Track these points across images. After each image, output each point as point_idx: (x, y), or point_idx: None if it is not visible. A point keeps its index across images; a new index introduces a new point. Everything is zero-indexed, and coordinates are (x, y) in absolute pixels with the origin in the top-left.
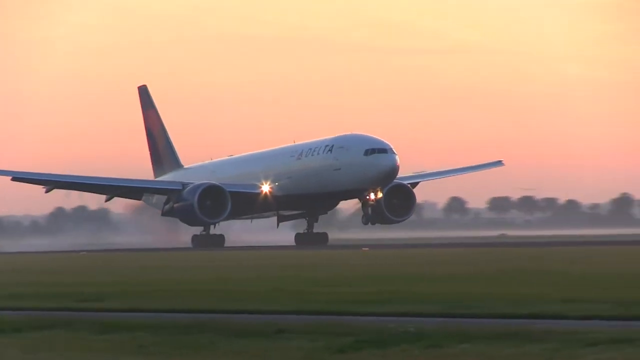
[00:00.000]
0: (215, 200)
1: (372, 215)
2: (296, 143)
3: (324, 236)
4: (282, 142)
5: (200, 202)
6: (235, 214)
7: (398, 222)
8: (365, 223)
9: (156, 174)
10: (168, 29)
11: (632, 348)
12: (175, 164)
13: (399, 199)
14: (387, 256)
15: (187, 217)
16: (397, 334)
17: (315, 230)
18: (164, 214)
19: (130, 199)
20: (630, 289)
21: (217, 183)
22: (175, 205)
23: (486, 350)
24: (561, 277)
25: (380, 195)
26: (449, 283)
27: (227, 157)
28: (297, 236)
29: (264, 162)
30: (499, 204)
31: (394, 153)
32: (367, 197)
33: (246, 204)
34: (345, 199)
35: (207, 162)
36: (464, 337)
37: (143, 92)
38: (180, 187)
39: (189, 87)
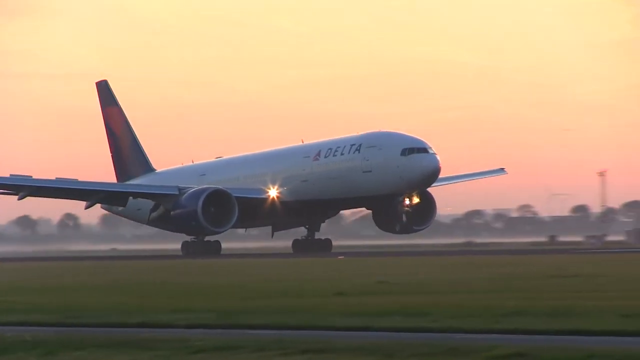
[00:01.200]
0: (221, 207)
1: (393, 223)
2: (307, 142)
3: (326, 243)
4: (265, 144)
5: (205, 208)
6: (240, 222)
7: (417, 231)
8: (399, 232)
9: (120, 178)
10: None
11: (235, 355)
12: (145, 167)
13: (418, 206)
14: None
15: (188, 225)
16: (14, 342)
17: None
18: (151, 222)
19: (115, 205)
20: (233, 300)
21: (222, 188)
22: (173, 212)
23: (101, 357)
24: (177, 287)
25: (416, 200)
26: (68, 293)
27: (217, 159)
28: (295, 243)
29: (270, 164)
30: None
31: (435, 153)
32: (402, 202)
33: (253, 211)
34: (373, 205)
35: (190, 164)
36: (79, 345)
37: (103, 88)
38: (177, 192)
39: (153, 81)
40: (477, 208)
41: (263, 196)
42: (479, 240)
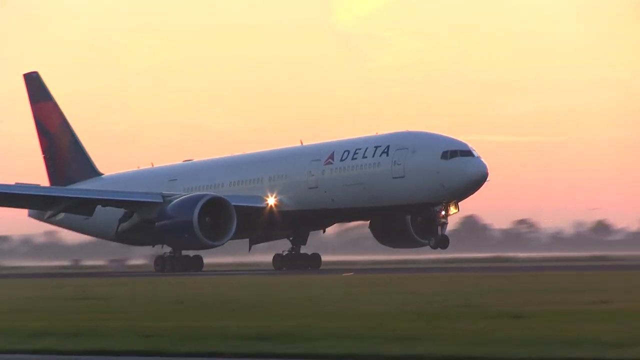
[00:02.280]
0: (216, 217)
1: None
2: (313, 143)
3: (314, 258)
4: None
5: (200, 219)
6: (236, 235)
7: (424, 245)
8: (435, 247)
9: (55, 183)
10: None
11: None
12: (89, 170)
13: (425, 217)
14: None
15: (179, 238)
16: None
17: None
18: (119, 234)
19: (80, 214)
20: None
21: (218, 195)
22: (159, 223)
23: None
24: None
25: (455, 210)
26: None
27: (187, 162)
28: (277, 258)
29: (265, 168)
30: None
31: (480, 156)
32: (439, 213)
33: (248, 222)
34: (401, 215)
35: (152, 167)
36: None
37: (32, 80)
38: (160, 200)
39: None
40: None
41: (261, 205)
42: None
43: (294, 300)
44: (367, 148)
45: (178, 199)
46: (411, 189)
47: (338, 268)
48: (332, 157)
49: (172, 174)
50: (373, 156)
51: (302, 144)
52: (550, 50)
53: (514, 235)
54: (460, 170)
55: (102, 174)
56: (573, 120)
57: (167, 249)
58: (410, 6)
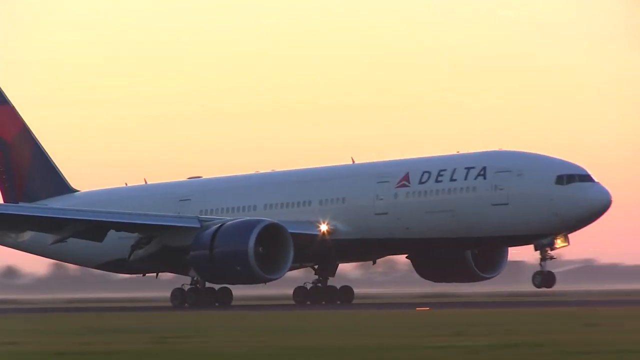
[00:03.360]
0: (268, 246)
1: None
2: (378, 160)
3: (346, 292)
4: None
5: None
6: None
7: (485, 279)
8: (539, 286)
9: (9, 199)
10: None
11: None
12: (57, 186)
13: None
14: None
15: (229, 270)
16: None
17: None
18: (133, 263)
19: (90, 239)
20: None
21: (274, 221)
22: (197, 252)
23: None
24: None
25: (565, 243)
26: None
27: (196, 178)
28: (299, 291)
29: (314, 189)
30: None
31: (599, 182)
32: (546, 246)
33: (301, 252)
34: (496, 247)
35: (153, 184)
36: None
37: None
38: (197, 225)
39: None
40: None
41: (313, 232)
42: None
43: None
44: (455, 169)
45: (226, 224)
46: (516, 218)
47: (372, 302)
48: (406, 178)
49: (181, 193)
50: (466, 179)
51: (353, 161)
52: None
53: None
54: (580, 198)
55: (77, 191)
56: None
57: (182, 279)
58: None
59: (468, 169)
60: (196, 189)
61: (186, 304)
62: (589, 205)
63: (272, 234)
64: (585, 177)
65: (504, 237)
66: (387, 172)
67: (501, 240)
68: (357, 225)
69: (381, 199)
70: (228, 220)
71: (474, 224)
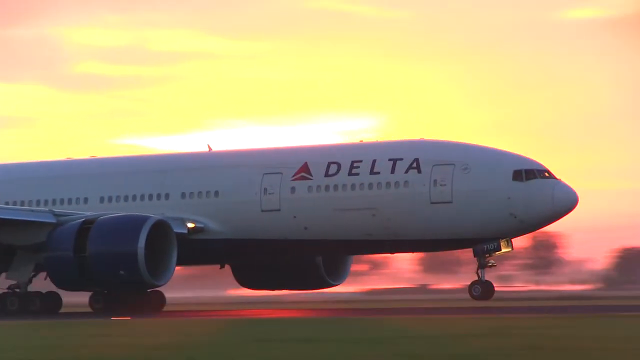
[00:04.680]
0: (152, 247)
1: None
2: (259, 147)
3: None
4: None
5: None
6: None
7: (332, 286)
8: (479, 298)
9: None
10: None
11: None
12: None
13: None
14: None
15: (109, 276)
16: None
17: None
18: None
19: None
20: None
21: (159, 217)
22: (55, 253)
23: None
24: None
25: (509, 249)
26: None
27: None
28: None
29: (175, 179)
30: None
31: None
32: (490, 252)
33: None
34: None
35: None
36: None
37: None
38: (52, 220)
39: None
40: None
41: (182, 231)
42: None
43: None
44: (374, 160)
45: (100, 220)
46: (462, 219)
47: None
48: (305, 169)
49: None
50: (393, 172)
51: (210, 149)
52: None
53: None
54: (543, 197)
55: None
56: None
57: None
58: None
59: (394, 160)
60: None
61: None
62: (554, 205)
63: (161, 232)
64: (545, 174)
65: (444, 241)
66: (277, 162)
67: (435, 243)
68: (233, 224)
69: (271, 194)
70: (96, 215)
71: (404, 225)
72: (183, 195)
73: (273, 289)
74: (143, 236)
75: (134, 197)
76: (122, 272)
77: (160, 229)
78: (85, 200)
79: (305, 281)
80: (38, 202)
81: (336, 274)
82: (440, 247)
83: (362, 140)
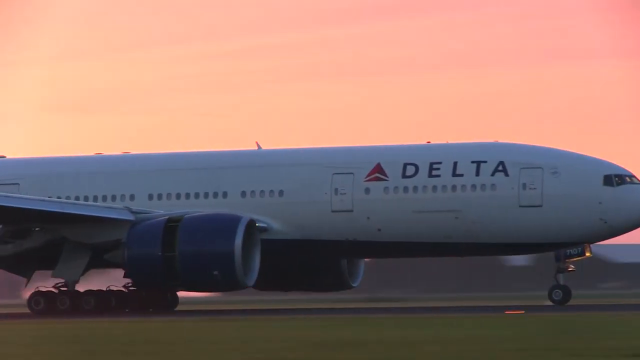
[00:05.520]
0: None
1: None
2: (335, 145)
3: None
4: None
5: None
6: None
7: (352, 288)
8: (561, 302)
9: None
10: None
11: None
12: None
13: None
14: None
15: (202, 276)
16: None
17: None
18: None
19: None
20: None
21: (248, 216)
22: (137, 250)
23: None
24: None
25: (589, 254)
26: None
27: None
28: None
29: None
30: None
31: None
32: (574, 256)
33: None
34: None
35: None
36: None
37: None
38: (130, 217)
39: None
40: None
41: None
42: None
43: None
44: (455, 162)
45: (189, 218)
46: (552, 223)
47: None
48: (379, 170)
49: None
50: (478, 175)
51: (259, 147)
52: None
53: None
54: (634, 202)
55: None
56: None
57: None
58: None
59: (477, 162)
60: (27, 169)
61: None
62: None
63: (249, 232)
64: (634, 179)
65: (532, 245)
66: (347, 162)
67: (522, 247)
68: (301, 224)
69: (344, 193)
70: (181, 213)
71: (491, 228)
72: (243, 194)
73: (285, 290)
74: (240, 235)
75: (187, 195)
76: (215, 273)
77: (248, 228)
78: (132, 197)
79: (326, 283)
80: (96, 198)
81: (354, 276)
82: (523, 251)
83: (429, 142)
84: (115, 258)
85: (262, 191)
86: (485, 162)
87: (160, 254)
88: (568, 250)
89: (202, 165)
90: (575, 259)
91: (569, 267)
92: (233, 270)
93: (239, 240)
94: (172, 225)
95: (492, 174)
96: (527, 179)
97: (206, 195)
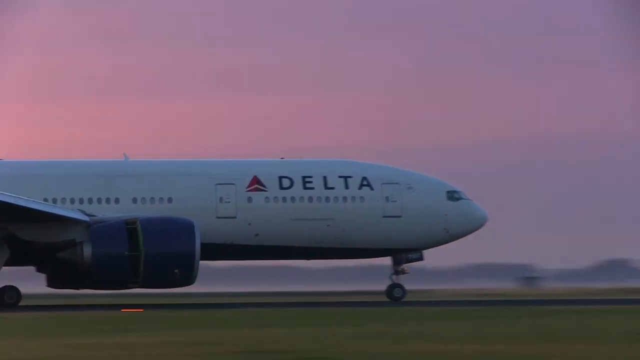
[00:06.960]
0: None
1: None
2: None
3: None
4: None
5: None
6: None
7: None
8: (401, 298)
9: None
10: None
11: None
12: None
13: None
14: None
15: (163, 274)
16: None
17: None
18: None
19: None
20: None
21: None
22: (100, 250)
23: None
24: None
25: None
26: None
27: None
28: None
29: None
30: None
31: None
32: (414, 260)
33: None
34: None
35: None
36: None
37: None
38: (85, 218)
39: None
40: None
41: None
42: None
43: None
44: (325, 176)
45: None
46: (408, 231)
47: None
48: (257, 181)
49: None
50: (347, 188)
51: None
52: None
53: None
54: (469, 214)
55: None
56: None
57: None
58: None
59: (344, 177)
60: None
61: None
62: (476, 222)
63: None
64: (464, 195)
65: (390, 250)
66: (222, 173)
67: (380, 252)
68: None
69: (228, 201)
70: (132, 216)
71: (359, 235)
72: (134, 200)
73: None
74: (198, 236)
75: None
76: (176, 271)
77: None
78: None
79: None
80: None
81: None
82: (385, 255)
83: (283, 157)
84: (71, 256)
85: (152, 198)
86: (350, 177)
87: (126, 253)
88: (410, 255)
89: (96, 172)
90: (413, 262)
91: (405, 269)
92: (192, 269)
93: (198, 241)
94: (130, 227)
95: (360, 188)
96: (389, 193)
97: (99, 200)
